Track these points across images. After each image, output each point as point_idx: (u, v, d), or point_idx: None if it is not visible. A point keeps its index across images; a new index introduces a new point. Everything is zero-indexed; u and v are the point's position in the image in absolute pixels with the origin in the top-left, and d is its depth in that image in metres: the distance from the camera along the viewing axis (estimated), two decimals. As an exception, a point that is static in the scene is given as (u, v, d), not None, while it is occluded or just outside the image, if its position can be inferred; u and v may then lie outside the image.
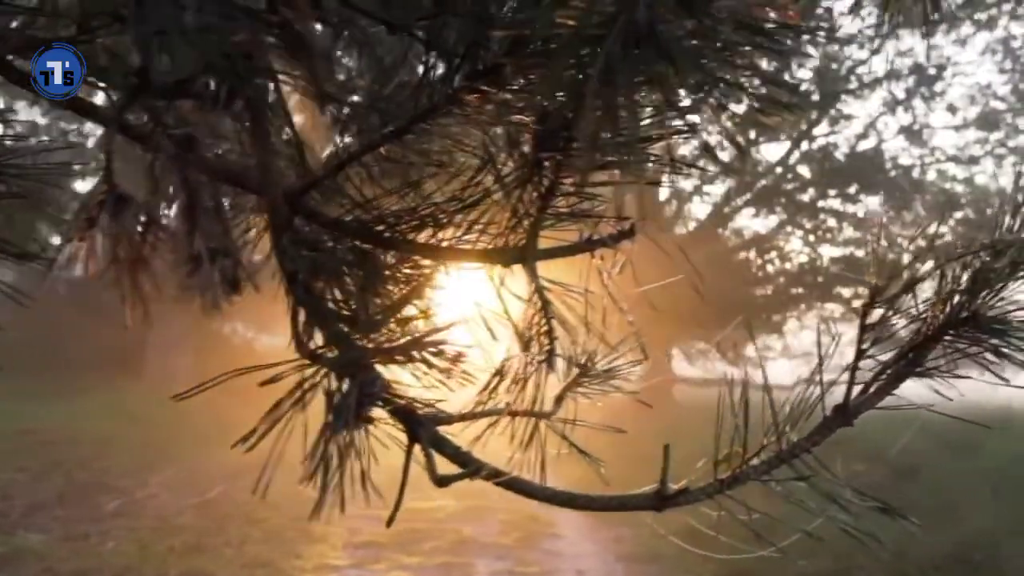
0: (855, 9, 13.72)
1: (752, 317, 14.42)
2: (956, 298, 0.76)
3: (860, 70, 14.38)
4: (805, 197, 14.89)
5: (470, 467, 0.70)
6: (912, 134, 14.51)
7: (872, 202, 14.42)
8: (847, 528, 0.74)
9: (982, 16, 13.65)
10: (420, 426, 0.69)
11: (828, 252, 15.01)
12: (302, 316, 0.69)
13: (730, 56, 0.44)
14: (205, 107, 0.63)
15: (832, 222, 14.85)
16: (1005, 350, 0.74)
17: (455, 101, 0.71)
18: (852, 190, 14.12)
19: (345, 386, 0.62)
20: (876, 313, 0.75)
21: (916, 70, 14.21)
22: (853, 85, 14.50)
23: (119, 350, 11.59)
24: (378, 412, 0.72)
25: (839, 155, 14.56)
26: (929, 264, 0.79)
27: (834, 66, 13.98)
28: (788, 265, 15.14)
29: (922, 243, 0.73)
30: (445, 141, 0.74)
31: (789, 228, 15.52)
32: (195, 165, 0.70)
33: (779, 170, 14.77)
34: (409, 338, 0.61)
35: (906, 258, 0.79)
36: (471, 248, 0.73)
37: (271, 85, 0.83)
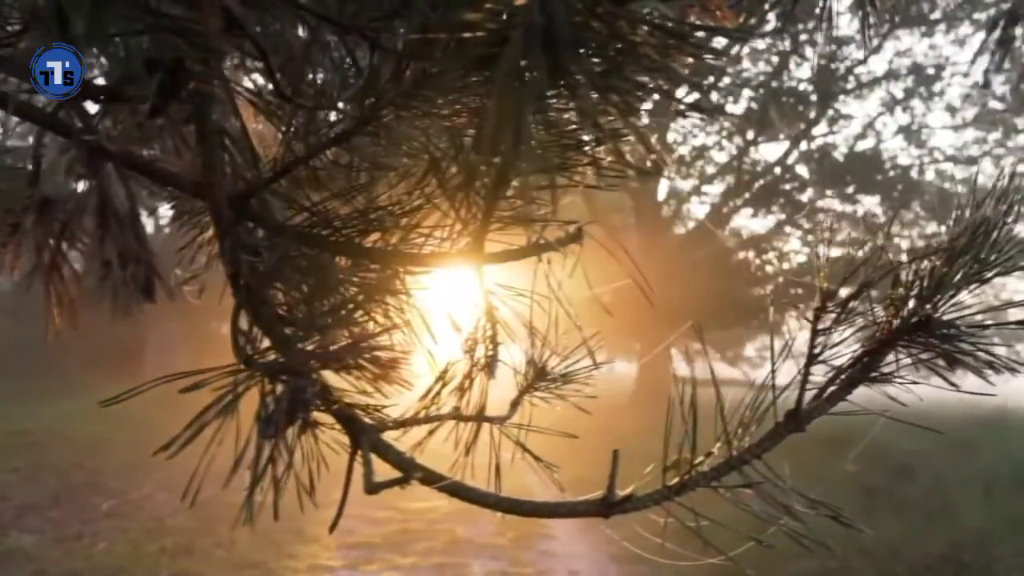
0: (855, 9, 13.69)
1: (752, 317, 14.40)
2: (910, 303, 0.75)
3: (858, 70, 14.38)
4: (803, 197, 14.87)
5: (409, 473, 0.69)
6: (910, 134, 14.51)
7: (870, 202, 14.41)
8: (796, 536, 0.72)
9: (980, 16, 13.64)
10: (362, 432, 0.68)
11: (826, 252, 14.97)
12: (243, 320, 0.68)
13: (648, 60, 0.43)
14: (140, 111, 0.62)
15: (830, 222, 14.83)
16: (957, 356, 0.73)
17: (402, 105, 0.70)
18: (850, 190, 14.10)
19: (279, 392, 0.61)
20: (829, 317, 0.74)
21: (915, 70, 14.20)
22: (851, 85, 14.50)
23: (117, 350, 11.59)
24: (324, 417, 0.72)
25: (837, 155, 14.55)
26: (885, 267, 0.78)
27: (833, 66, 13.97)
28: (786, 265, 15.13)
29: (875, 246, 0.72)
30: (392, 145, 0.73)
31: (788, 228, 15.51)
32: (134, 169, 0.69)
33: (777, 170, 14.76)
34: (343, 344, 0.60)
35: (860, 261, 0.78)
36: (417, 252, 0.72)
37: (222, 87, 0.82)
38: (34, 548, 4.95)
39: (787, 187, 14.83)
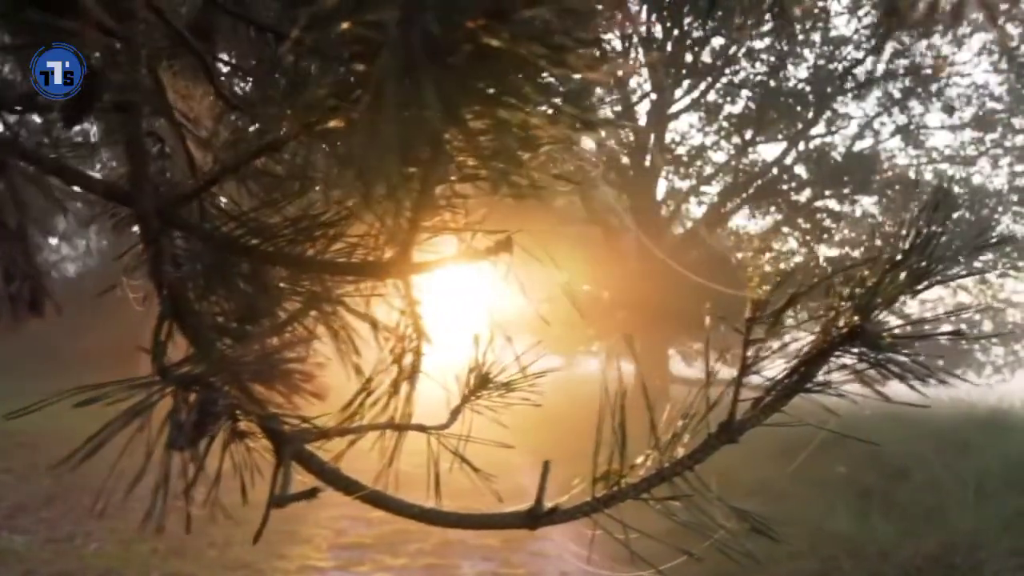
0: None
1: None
2: (847, 313, 0.74)
3: (856, 70, 14.36)
4: (801, 197, 14.85)
5: (335, 485, 0.69)
6: (908, 134, 14.49)
7: (868, 202, 14.40)
8: (724, 549, 0.72)
9: (978, 16, 13.60)
10: (285, 442, 0.67)
11: (824, 252, 14.97)
12: (165, 330, 0.68)
13: (536, 71, 0.42)
14: (52, 120, 0.62)
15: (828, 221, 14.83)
16: (891, 367, 0.72)
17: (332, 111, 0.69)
18: (847, 190, 14.08)
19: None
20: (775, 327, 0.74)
21: (913, 70, 14.18)
22: (849, 85, 14.47)
23: (114, 351, 11.60)
24: (252, 427, 0.71)
25: (836, 155, 14.53)
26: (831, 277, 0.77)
27: (831, 66, 13.96)
28: (784, 265, 15.10)
29: (807, 256, 0.71)
30: (323, 154, 0.73)
31: (786, 228, 15.49)
32: (56, 175, 0.69)
33: (775, 170, 14.74)
34: (254, 356, 0.60)
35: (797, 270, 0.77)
36: (345, 261, 0.71)
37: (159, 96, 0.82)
38: (24, 549, 4.95)
39: (785, 187, 14.81)
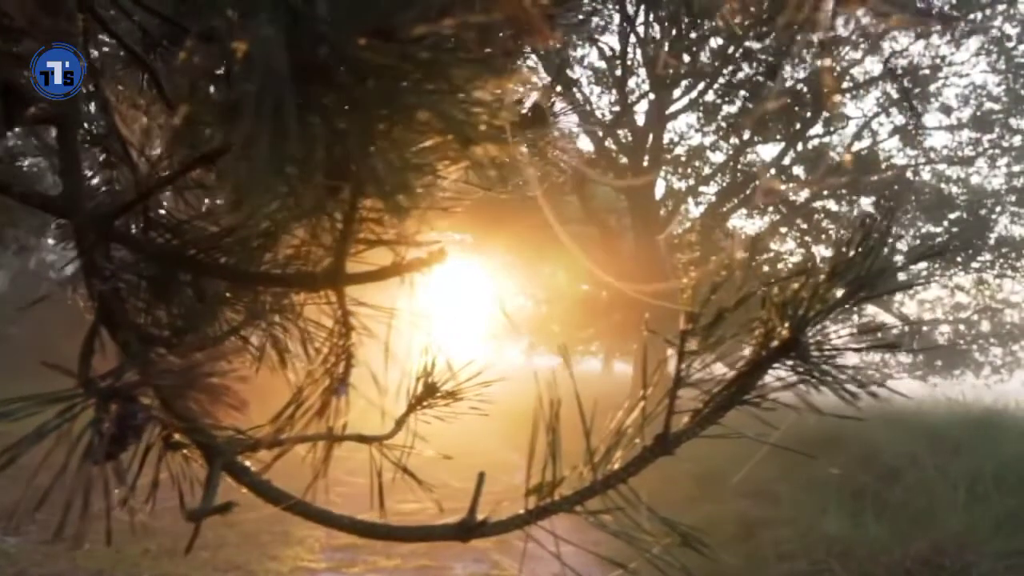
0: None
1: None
2: (784, 325, 0.74)
3: (855, 70, 14.36)
4: (799, 198, 14.85)
5: (269, 496, 0.69)
6: (906, 135, 14.48)
7: (865, 202, 14.38)
8: (655, 561, 0.72)
9: (976, 16, 13.59)
10: (216, 454, 0.67)
11: (821, 253, 14.96)
12: (91, 342, 0.68)
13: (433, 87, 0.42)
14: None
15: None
16: (826, 379, 0.72)
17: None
18: (845, 191, 14.07)
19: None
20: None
21: (911, 70, 14.17)
22: (847, 85, 14.47)
23: (112, 351, 11.58)
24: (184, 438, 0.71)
25: (834, 155, 14.53)
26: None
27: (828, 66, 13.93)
28: (781, 266, 15.10)
29: (741, 265, 0.71)
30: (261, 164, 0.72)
31: (783, 229, 15.50)
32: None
33: (773, 171, 14.73)
34: (174, 368, 0.60)
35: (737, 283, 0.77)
36: (279, 273, 0.71)
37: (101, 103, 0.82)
38: (16, 551, 4.96)
39: (782, 188, 14.79)
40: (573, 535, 0.79)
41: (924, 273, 14.72)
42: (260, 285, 0.71)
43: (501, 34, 0.51)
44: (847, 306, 0.73)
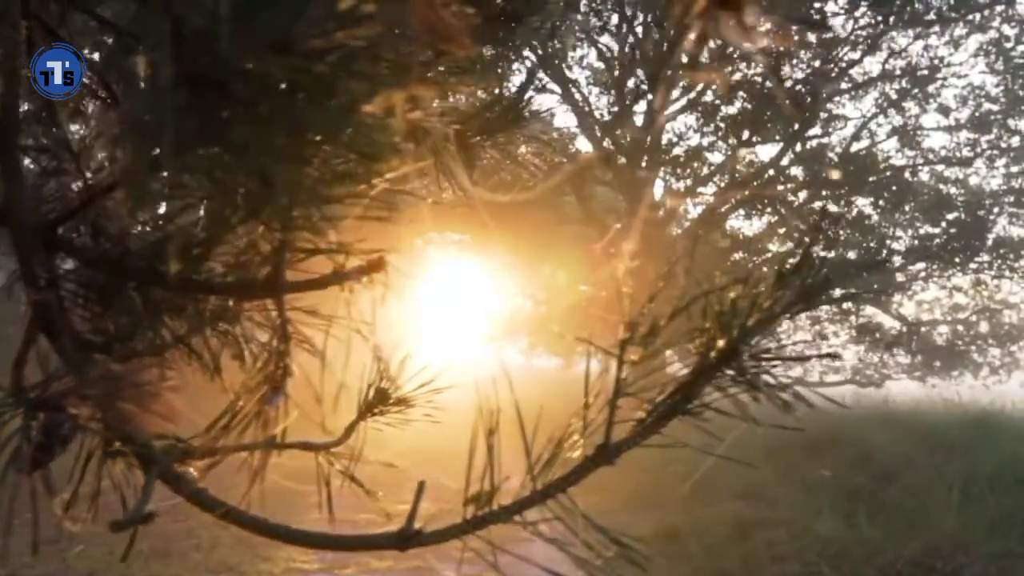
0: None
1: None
2: (726, 334, 0.73)
3: (853, 71, 14.34)
4: (797, 199, 14.84)
5: (213, 508, 0.69)
6: (905, 135, 14.47)
7: (863, 203, 14.37)
8: (592, 573, 0.71)
9: (974, 17, 13.58)
10: (152, 462, 0.67)
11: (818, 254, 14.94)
12: (27, 350, 0.67)
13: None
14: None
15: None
16: (764, 388, 0.71)
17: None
18: (842, 191, 14.06)
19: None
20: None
21: (909, 71, 14.16)
22: (846, 85, 14.45)
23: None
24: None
25: (832, 156, 14.51)
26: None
27: (827, 67, 13.94)
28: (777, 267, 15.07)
29: (671, 274, 0.70)
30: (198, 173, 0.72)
31: (782, 229, 15.48)
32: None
33: (771, 172, 14.73)
34: (100, 377, 0.60)
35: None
36: (218, 281, 0.71)
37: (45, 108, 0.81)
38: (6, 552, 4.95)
39: (780, 188, 14.78)
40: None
41: (922, 274, 14.72)
42: (200, 293, 0.71)
43: (414, 46, 0.51)
44: (788, 316, 0.73)
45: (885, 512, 5.68)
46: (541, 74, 15.48)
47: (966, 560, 4.30)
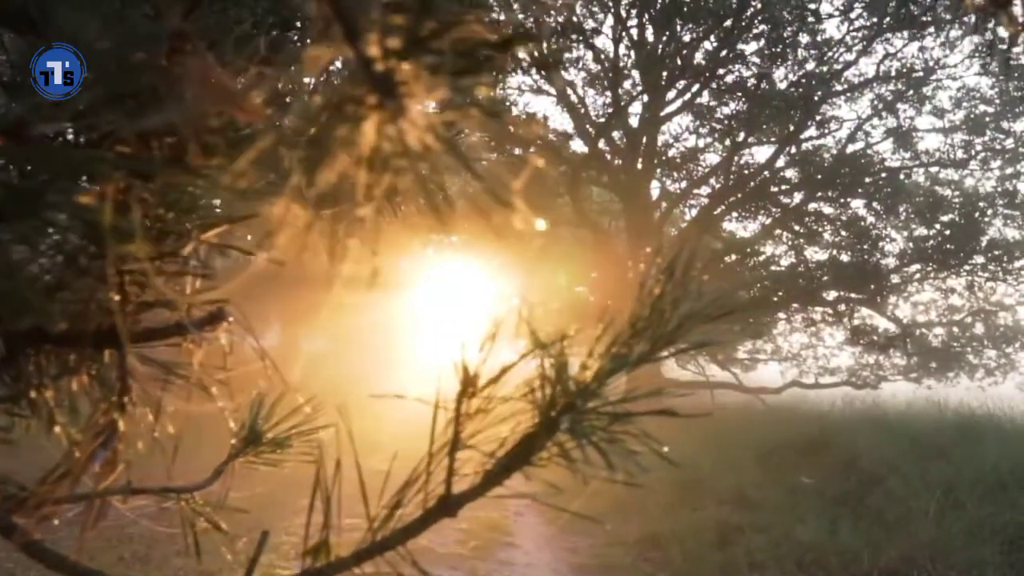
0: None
1: (740, 320, 14.35)
2: (564, 387, 0.73)
3: (848, 73, 14.32)
4: (792, 200, 14.82)
5: (40, 557, 0.69)
6: (900, 137, 14.45)
7: (858, 205, 14.36)
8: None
9: (969, 18, 13.54)
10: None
11: (814, 255, 14.95)
12: None
13: None
14: None
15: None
16: (600, 446, 0.71)
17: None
18: (837, 192, 14.05)
19: None
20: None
21: (904, 73, 14.14)
22: (841, 87, 14.43)
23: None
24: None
25: (826, 157, 14.49)
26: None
27: (821, 69, 13.93)
28: (774, 268, 15.08)
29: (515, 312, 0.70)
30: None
31: (777, 231, 15.47)
32: None
33: (766, 173, 14.72)
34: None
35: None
36: (56, 332, 0.71)
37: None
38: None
39: (775, 190, 14.78)
40: None
41: (917, 276, 14.70)
42: (34, 343, 0.71)
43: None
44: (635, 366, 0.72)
45: (868, 518, 5.67)
46: (536, 76, 15.48)
47: (942, 568, 4.29)
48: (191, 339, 0.71)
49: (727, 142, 15.05)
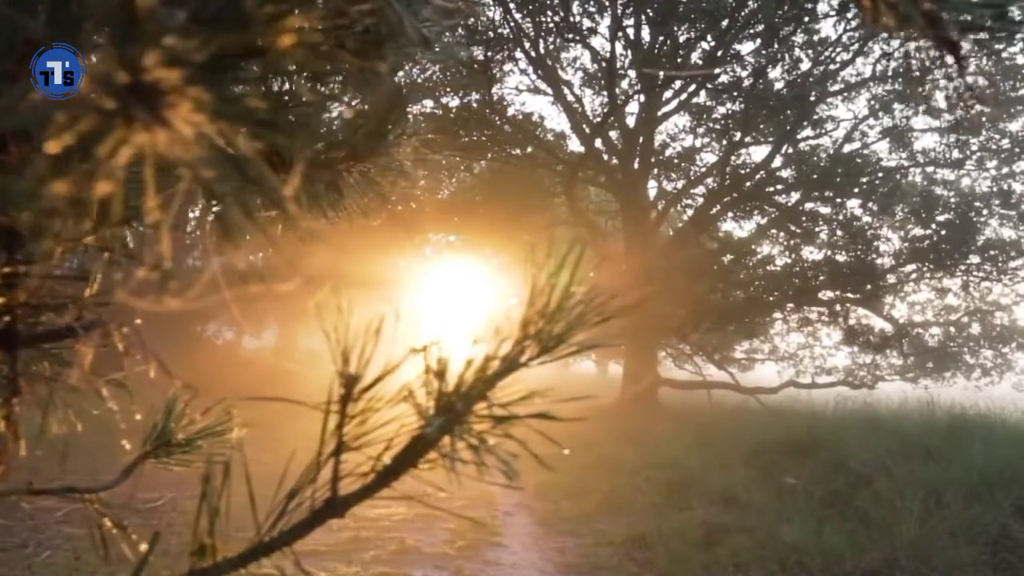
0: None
1: (734, 320, 14.35)
2: (460, 388, 0.74)
3: (844, 72, 14.32)
4: (789, 200, 14.81)
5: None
6: (895, 137, 14.44)
7: (853, 204, 14.35)
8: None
9: (966, 18, 13.51)
10: None
11: (809, 255, 14.93)
12: None
13: None
14: None
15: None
16: (481, 450, 0.72)
17: None
18: (833, 192, 14.03)
19: None
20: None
21: (901, 72, 14.12)
22: (838, 87, 14.43)
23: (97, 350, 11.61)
24: None
25: (823, 157, 14.49)
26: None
27: (818, 69, 13.92)
28: (771, 267, 15.07)
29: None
30: None
31: (772, 231, 15.46)
32: None
33: (762, 173, 14.71)
34: None
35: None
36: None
37: None
38: (-29, 557, 4.99)
39: (771, 190, 14.77)
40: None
41: (913, 276, 14.69)
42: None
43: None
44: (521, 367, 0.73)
45: (854, 519, 5.68)
46: (532, 75, 15.49)
47: (924, 569, 4.29)
48: (81, 341, 0.72)
49: (723, 142, 15.05)
